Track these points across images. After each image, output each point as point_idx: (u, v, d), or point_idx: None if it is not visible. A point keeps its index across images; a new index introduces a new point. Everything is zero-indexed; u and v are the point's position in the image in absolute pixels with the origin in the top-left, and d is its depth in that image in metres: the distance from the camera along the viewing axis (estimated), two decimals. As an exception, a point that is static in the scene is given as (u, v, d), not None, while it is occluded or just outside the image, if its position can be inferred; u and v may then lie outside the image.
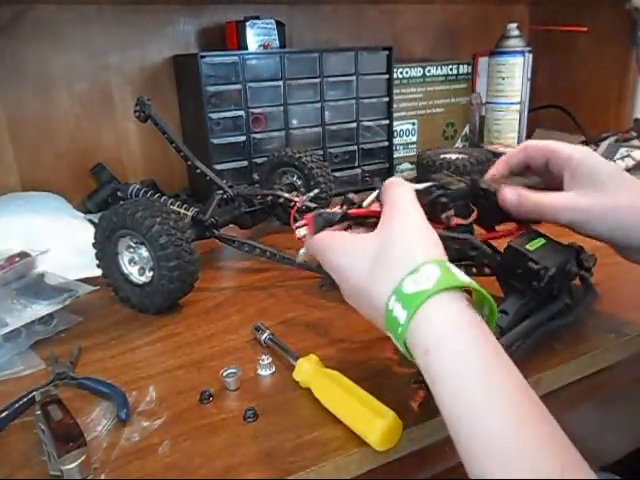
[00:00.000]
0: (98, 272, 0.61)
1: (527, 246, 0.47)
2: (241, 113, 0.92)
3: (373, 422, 0.37)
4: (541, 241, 0.48)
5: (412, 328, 0.33)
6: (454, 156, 0.91)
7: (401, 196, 0.40)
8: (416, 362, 0.33)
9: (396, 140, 1.09)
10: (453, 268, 0.34)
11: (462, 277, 0.34)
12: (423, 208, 0.40)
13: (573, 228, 0.48)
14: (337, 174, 1.00)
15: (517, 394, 0.30)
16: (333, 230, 0.44)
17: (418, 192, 0.42)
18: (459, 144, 1.19)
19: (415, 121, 1.12)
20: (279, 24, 0.96)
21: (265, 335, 0.50)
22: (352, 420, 0.39)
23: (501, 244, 0.50)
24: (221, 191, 0.73)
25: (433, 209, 0.49)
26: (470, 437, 0.29)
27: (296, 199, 0.70)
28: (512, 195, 0.49)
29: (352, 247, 0.39)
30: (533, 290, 0.46)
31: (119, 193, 0.79)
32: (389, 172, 1.08)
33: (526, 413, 0.29)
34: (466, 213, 0.53)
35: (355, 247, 0.39)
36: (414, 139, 1.13)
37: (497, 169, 0.53)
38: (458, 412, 0.30)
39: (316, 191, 0.74)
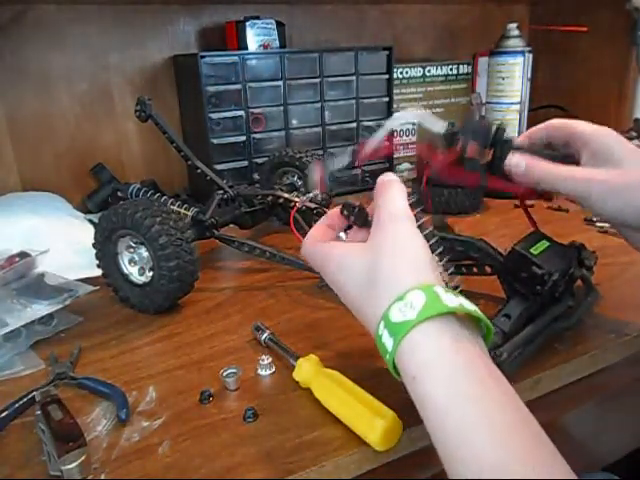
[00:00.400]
0: (98, 272, 0.61)
1: (531, 250, 0.47)
2: (241, 113, 0.92)
3: (373, 422, 0.37)
4: (545, 244, 0.48)
5: (399, 355, 0.32)
6: (454, 156, 0.91)
7: (394, 203, 0.38)
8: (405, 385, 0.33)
9: (396, 140, 1.09)
10: (441, 291, 0.33)
11: (449, 302, 0.32)
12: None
13: (583, 203, 0.45)
14: (337, 174, 0.99)
15: (507, 417, 0.29)
16: (329, 233, 0.43)
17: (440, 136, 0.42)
18: (459, 144, 1.19)
19: (415, 121, 1.11)
20: (279, 24, 0.96)
21: (265, 335, 0.50)
22: (352, 420, 0.39)
23: (505, 205, 0.48)
24: (221, 191, 0.73)
25: (451, 140, 0.49)
26: (457, 461, 0.29)
27: (296, 199, 0.70)
28: (519, 161, 0.47)
29: (345, 263, 0.38)
30: (536, 294, 0.46)
31: (119, 193, 0.79)
32: (389, 172, 1.07)
33: (517, 438, 0.28)
34: (481, 154, 0.51)
35: (347, 263, 0.38)
36: (414, 139, 1.13)
37: (518, 140, 0.52)
38: (445, 438, 0.30)
39: (316, 191, 0.74)
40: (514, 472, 0.27)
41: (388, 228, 0.37)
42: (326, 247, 0.41)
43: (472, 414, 0.29)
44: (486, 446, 0.28)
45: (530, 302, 0.47)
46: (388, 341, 0.33)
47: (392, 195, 0.39)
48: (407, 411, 0.39)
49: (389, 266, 0.35)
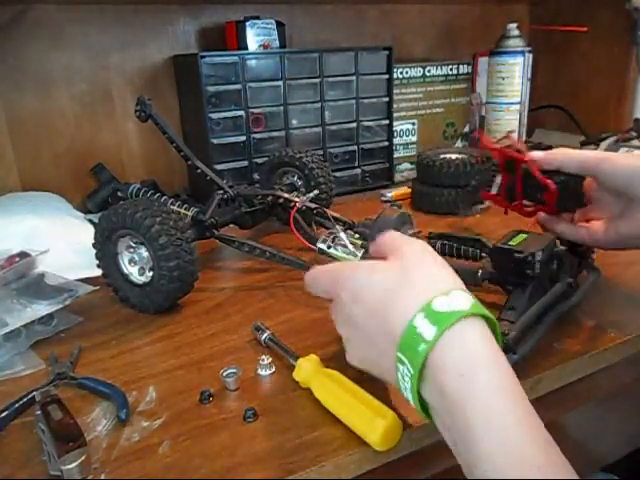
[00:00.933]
0: (98, 272, 0.61)
1: (510, 242, 0.50)
2: (241, 113, 0.92)
3: (373, 422, 0.37)
4: (522, 236, 0.52)
5: (439, 347, 0.31)
6: (454, 156, 0.91)
7: (401, 235, 0.40)
8: (433, 387, 0.31)
9: (396, 140, 1.09)
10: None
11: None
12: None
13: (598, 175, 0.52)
14: (337, 174, 1.00)
15: (537, 418, 0.29)
16: None
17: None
18: (459, 144, 1.19)
19: (415, 121, 1.12)
20: (279, 24, 0.96)
21: (265, 335, 0.50)
22: (352, 420, 0.39)
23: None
24: (221, 191, 0.73)
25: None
26: (502, 469, 0.27)
27: (296, 199, 0.70)
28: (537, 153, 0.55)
29: (369, 268, 0.38)
30: (531, 279, 0.48)
31: (119, 193, 0.79)
32: (389, 172, 1.08)
33: (550, 446, 0.29)
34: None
35: (372, 267, 0.38)
36: (414, 139, 1.13)
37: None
38: (488, 439, 0.28)
39: (316, 192, 0.74)
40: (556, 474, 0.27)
41: (409, 248, 0.37)
42: (333, 264, 0.41)
43: (520, 417, 0.29)
44: (529, 450, 0.28)
45: (530, 289, 0.48)
46: (429, 330, 0.31)
47: (397, 233, 0.41)
48: (407, 411, 0.39)
49: (426, 269, 0.35)
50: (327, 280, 0.41)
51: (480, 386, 0.29)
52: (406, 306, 0.33)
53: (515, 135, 0.55)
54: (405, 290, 0.34)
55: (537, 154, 0.55)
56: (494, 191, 0.65)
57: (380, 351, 0.35)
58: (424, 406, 0.33)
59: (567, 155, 0.54)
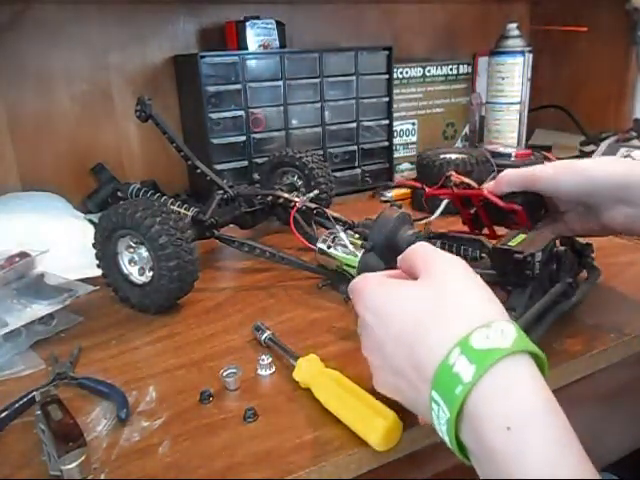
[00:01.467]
0: (98, 272, 0.61)
1: (510, 243, 0.50)
2: (241, 113, 0.92)
3: (374, 422, 0.37)
4: (522, 237, 0.51)
5: (480, 390, 0.27)
6: (454, 156, 0.91)
7: (434, 249, 0.36)
8: (473, 434, 0.28)
9: (396, 140, 1.09)
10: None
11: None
12: None
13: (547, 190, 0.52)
14: (337, 174, 1.00)
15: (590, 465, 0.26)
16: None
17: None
18: (459, 144, 1.19)
19: (415, 121, 1.12)
20: (279, 24, 0.96)
21: (265, 335, 0.50)
22: (353, 420, 0.38)
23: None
24: (221, 191, 0.73)
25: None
26: None
27: (296, 199, 0.70)
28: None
29: (396, 288, 0.35)
30: (531, 279, 0.48)
31: (119, 193, 0.79)
32: (389, 172, 1.08)
33: None
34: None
35: (400, 288, 0.34)
36: (414, 139, 1.13)
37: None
38: None
39: (316, 192, 0.74)
40: None
41: (446, 264, 0.34)
42: (372, 275, 0.39)
43: (574, 467, 0.26)
44: None
45: (530, 290, 0.48)
46: (466, 369, 0.27)
47: (427, 246, 0.37)
48: (408, 411, 0.39)
49: (461, 294, 0.32)
50: (353, 297, 0.38)
51: (533, 443, 0.26)
52: (440, 338, 0.30)
53: (455, 174, 0.56)
54: (439, 319, 0.31)
55: (490, 186, 0.55)
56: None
57: (411, 385, 0.32)
58: (461, 446, 0.30)
59: (511, 176, 0.54)
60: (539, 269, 0.47)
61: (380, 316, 0.34)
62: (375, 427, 0.37)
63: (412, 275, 0.36)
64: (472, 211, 0.60)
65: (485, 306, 0.31)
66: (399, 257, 0.39)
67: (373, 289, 0.36)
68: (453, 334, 0.29)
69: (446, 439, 0.30)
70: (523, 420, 0.26)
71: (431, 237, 0.63)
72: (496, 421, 0.26)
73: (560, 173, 0.51)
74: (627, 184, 0.49)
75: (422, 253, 0.36)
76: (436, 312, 0.31)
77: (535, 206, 0.56)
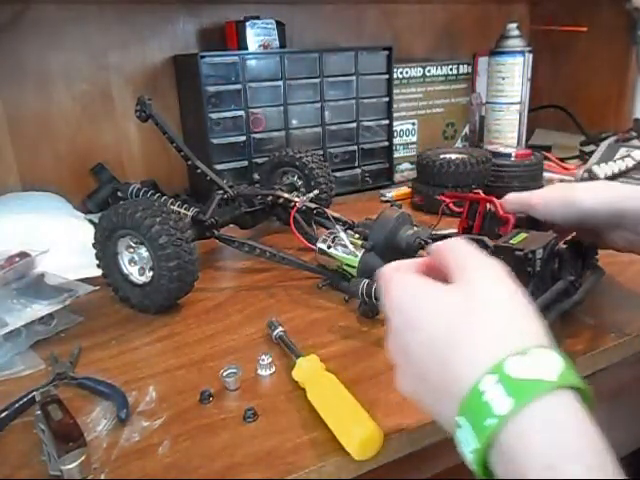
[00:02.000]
0: (98, 272, 0.61)
1: (511, 241, 0.50)
2: (241, 113, 0.92)
3: (352, 431, 0.37)
4: (523, 235, 0.52)
5: (516, 425, 0.25)
6: (454, 156, 0.91)
7: (472, 250, 0.32)
8: (504, 466, 0.25)
9: (396, 140, 1.09)
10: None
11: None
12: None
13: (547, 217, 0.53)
14: (337, 174, 0.99)
15: None
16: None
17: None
18: (459, 144, 1.19)
19: (415, 121, 1.12)
20: (279, 24, 0.96)
21: (277, 331, 0.50)
22: (335, 427, 0.38)
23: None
24: (221, 191, 0.73)
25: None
26: None
27: (296, 199, 0.70)
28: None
29: (426, 289, 0.32)
30: (532, 276, 0.48)
31: (119, 193, 0.79)
32: (389, 172, 1.08)
33: None
34: None
35: (429, 290, 0.32)
36: (414, 139, 1.13)
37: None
38: None
39: (316, 192, 0.74)
40: None
41: (484, 269, 0.31)
42: (405, 267, 0.35)
43: None
44: None
45: (531, 287, 0.48)
46: (501, 400, 0.25)
47: (465, 244, 0.33)
48: (408, 411, 0.39)
49: (502, 308, 0.29)
50: (382, 286, 0.35)
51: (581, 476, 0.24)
52: (473, 357, 0.27)
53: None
54: (472, 334, 0.28)
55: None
56: None
57: (436, 395, 0.30)
58: (487, 472, 0.27)
59: (512, 200, 0.56)
60: (540, 266, 0.48)
61: (408, 319, 0.32)
62: (352, 436, 0.36)
63: (443, 271, 0.33)
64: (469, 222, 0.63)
65: (525, 326, 0.29)
66: (432, 246, 0.35)
67: (403, 288, 0.33)
68: (487, 354, 0.27)
69: (473, 467, 0.27)
70: (566, 459, 0.24)
71: (431, 237, 0.63)
72: (537, 459, 0.24)
73: (551, 205, 0.53)
74: (622, 212, 0.50)
75: (457, 250, 0.33)
76: (469, 321, 0.29)
77: (541, 222, 0.57)
